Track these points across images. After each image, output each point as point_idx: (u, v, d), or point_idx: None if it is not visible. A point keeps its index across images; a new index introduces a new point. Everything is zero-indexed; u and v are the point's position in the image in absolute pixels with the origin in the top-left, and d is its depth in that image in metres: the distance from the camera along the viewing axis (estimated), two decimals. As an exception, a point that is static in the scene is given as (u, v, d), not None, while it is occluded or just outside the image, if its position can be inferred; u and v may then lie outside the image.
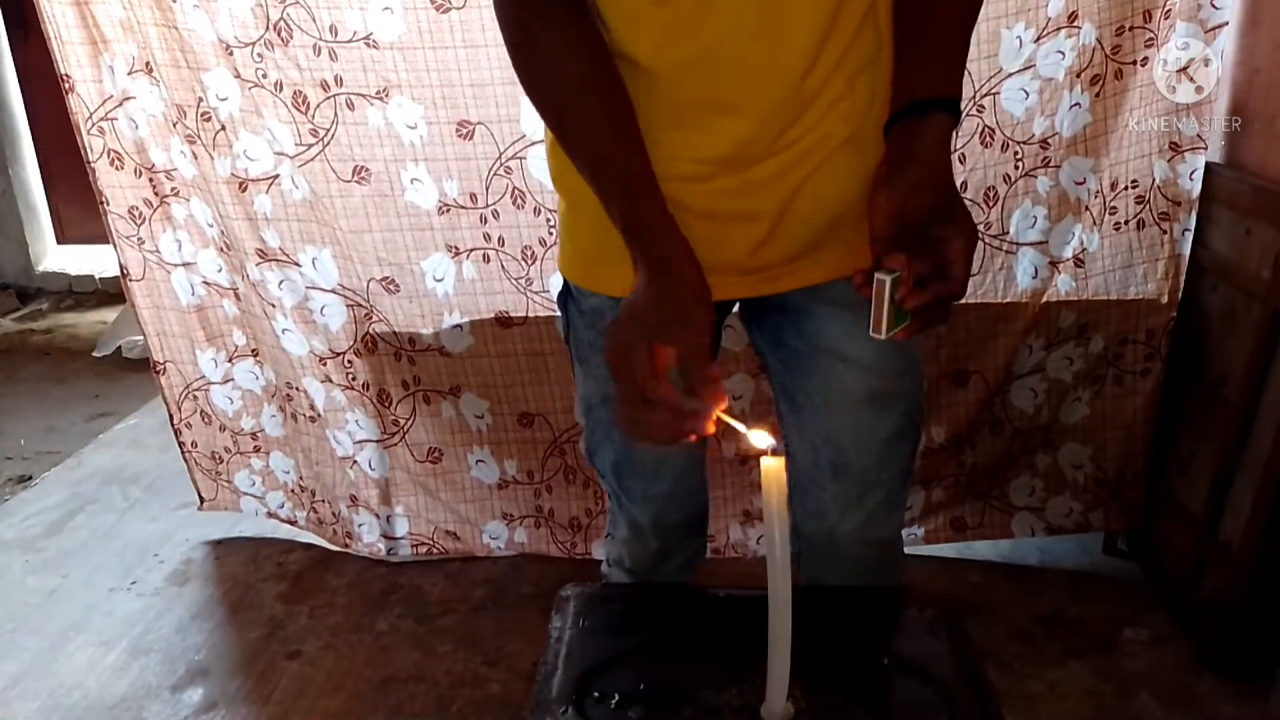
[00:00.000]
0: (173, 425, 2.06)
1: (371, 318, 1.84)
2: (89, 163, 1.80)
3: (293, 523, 2.12)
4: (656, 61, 0.88)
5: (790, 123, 0.89)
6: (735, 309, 1.10)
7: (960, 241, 0.82)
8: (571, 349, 1.11)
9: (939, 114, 0.84)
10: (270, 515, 2.13)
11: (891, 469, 1.06)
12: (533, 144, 1.68)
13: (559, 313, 1.12)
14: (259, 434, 2.05)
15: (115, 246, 1.88)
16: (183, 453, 2.08)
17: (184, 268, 1.90)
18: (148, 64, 1.71)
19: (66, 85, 1.73)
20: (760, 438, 0.73)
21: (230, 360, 1.98)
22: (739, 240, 0.95)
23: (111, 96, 1.75)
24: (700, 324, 0.84)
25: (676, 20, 0.85)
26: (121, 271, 1.90)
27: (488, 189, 1.72)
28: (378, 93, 1.66)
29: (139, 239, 1.87)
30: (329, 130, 1.70)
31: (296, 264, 1.81)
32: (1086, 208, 1.72)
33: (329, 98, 1.67)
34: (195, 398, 2.02)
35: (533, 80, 0.90)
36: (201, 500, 2.14)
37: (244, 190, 1.76)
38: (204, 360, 1.98)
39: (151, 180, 1.82)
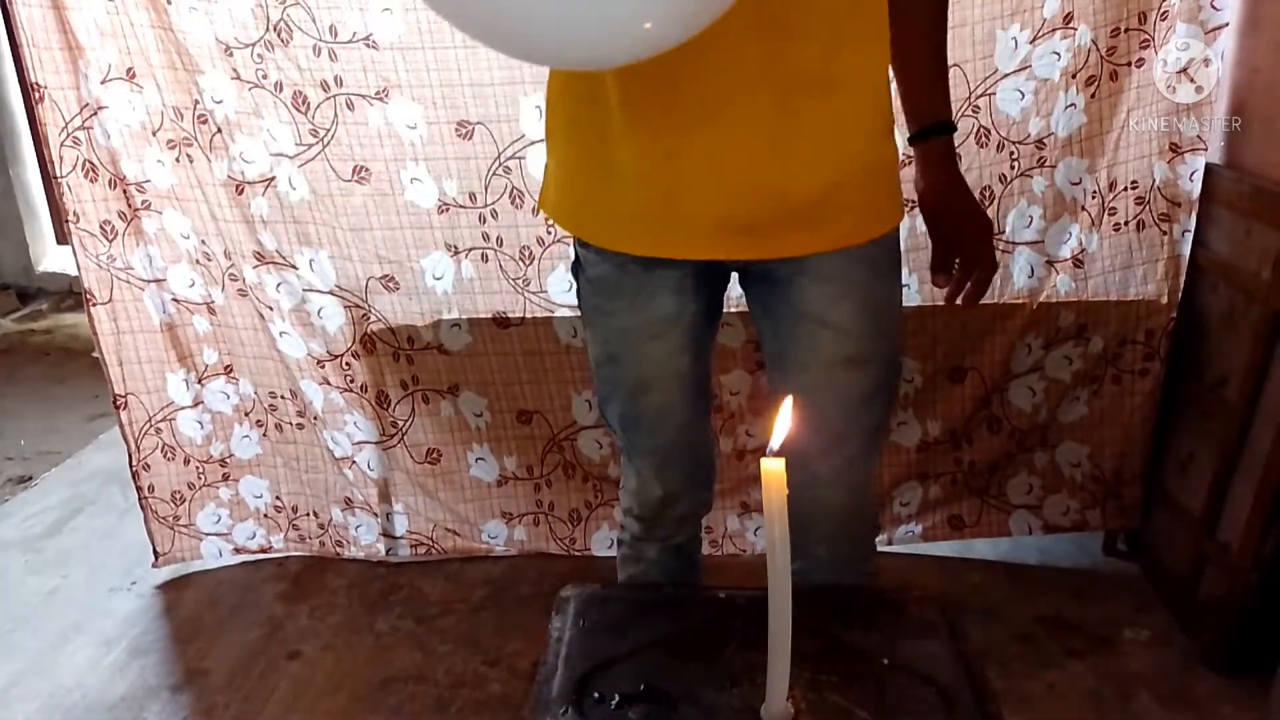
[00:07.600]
0: (131, 468, 1.93)
1: (369, 318, 1.84)
2: (57, 178, 1.71)
3: (266, 550, 2.06)
4: None
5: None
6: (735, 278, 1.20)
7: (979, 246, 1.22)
8: (582, 314, 1.22)
9: (946, 136, 1.14)
10: (237, 551, 2.05)
11: (862, 423, 1.16)
12: (532, 144, 1.68)
13: (571, 281, 1.21)
14: (228, 459, 1.98)
15: (79, 268, 1.79)
16: (140, 500, 1.96)
17: (155, 284, 1.84)
18: (129, 70, 1.67)
19: (37, 95, 1.66)
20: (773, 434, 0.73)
21: (200, 381, 1.92)
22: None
23: (88, 105, 1.69)
24: None
25: None
26: (85, 295, 1.82)
27: (487, 188, 1.73)
28: (378, 93, 1.66)
29: (109, 256, 1.79)
30: (329, 130, 1.70)
31: (294, 266, 1.81)
32: (1083, 208, 1.72)
33: (329, 98, 1.67)
34: (159, 430, 1.94)
35: None
36: (156, 556, 2.00)
37: (240, 193, 1.76)
38: (174, 383, 1.92)
39: (125, 192, 1.76)
